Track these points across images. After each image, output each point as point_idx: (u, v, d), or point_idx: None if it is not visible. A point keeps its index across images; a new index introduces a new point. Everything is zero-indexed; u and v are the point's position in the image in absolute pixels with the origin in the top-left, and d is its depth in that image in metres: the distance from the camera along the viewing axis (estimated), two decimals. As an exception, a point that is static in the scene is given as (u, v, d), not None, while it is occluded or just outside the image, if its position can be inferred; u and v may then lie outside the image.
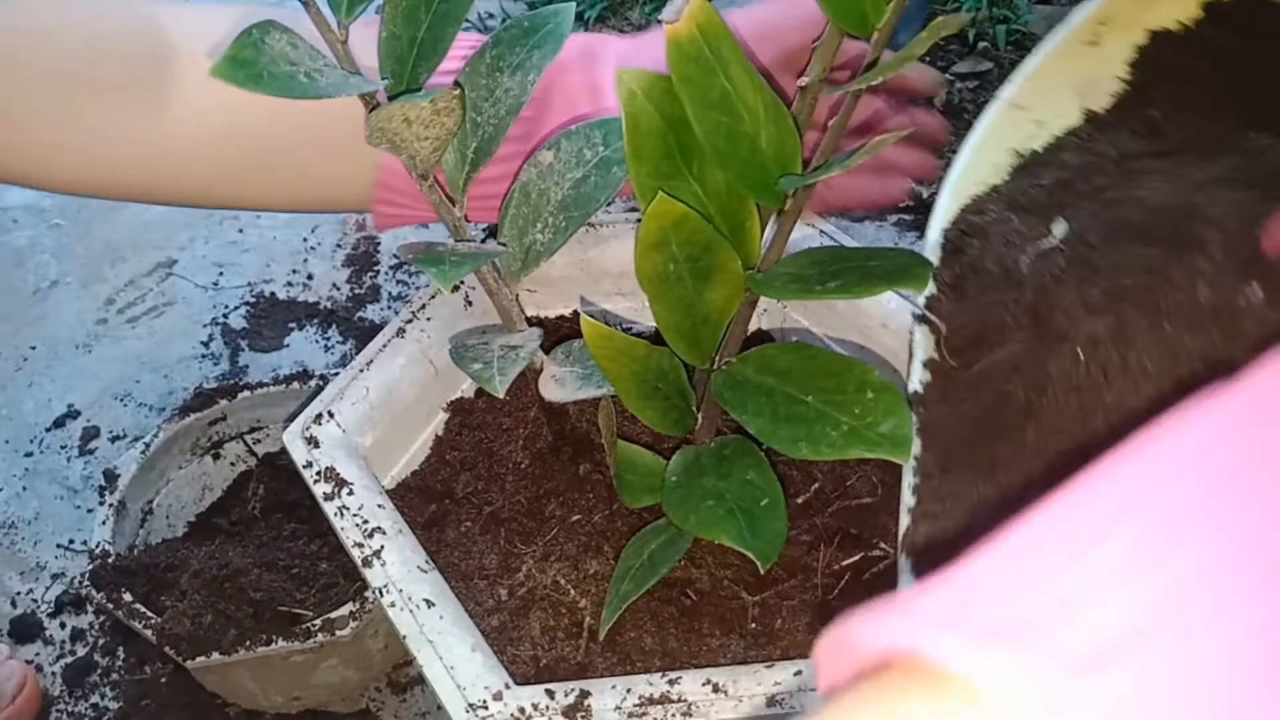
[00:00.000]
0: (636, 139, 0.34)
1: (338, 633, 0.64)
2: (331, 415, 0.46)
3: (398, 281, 1.07)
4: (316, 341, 1.03)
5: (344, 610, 0.65)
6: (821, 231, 0.53)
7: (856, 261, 0.33)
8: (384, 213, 0.47)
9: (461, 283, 0.49)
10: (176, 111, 0.43)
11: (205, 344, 1.03)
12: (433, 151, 0.37)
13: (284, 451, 0.82)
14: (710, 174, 0.35)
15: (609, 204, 0.41)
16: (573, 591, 0.42)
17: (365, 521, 0.41)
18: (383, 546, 0.40)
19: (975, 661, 0.16)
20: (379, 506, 0.42)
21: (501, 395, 0.37)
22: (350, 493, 0.42)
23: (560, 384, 0.41)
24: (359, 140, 0.41)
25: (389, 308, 1.05)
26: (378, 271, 1.08)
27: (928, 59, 1.55)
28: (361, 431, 0.46)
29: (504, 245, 0.41)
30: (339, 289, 1.07)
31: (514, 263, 0.42)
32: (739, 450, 0.39)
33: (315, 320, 1.05)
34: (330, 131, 0.44)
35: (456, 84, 0.39)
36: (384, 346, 0.48)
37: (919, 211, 1.27)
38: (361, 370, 0.47)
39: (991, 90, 1.49)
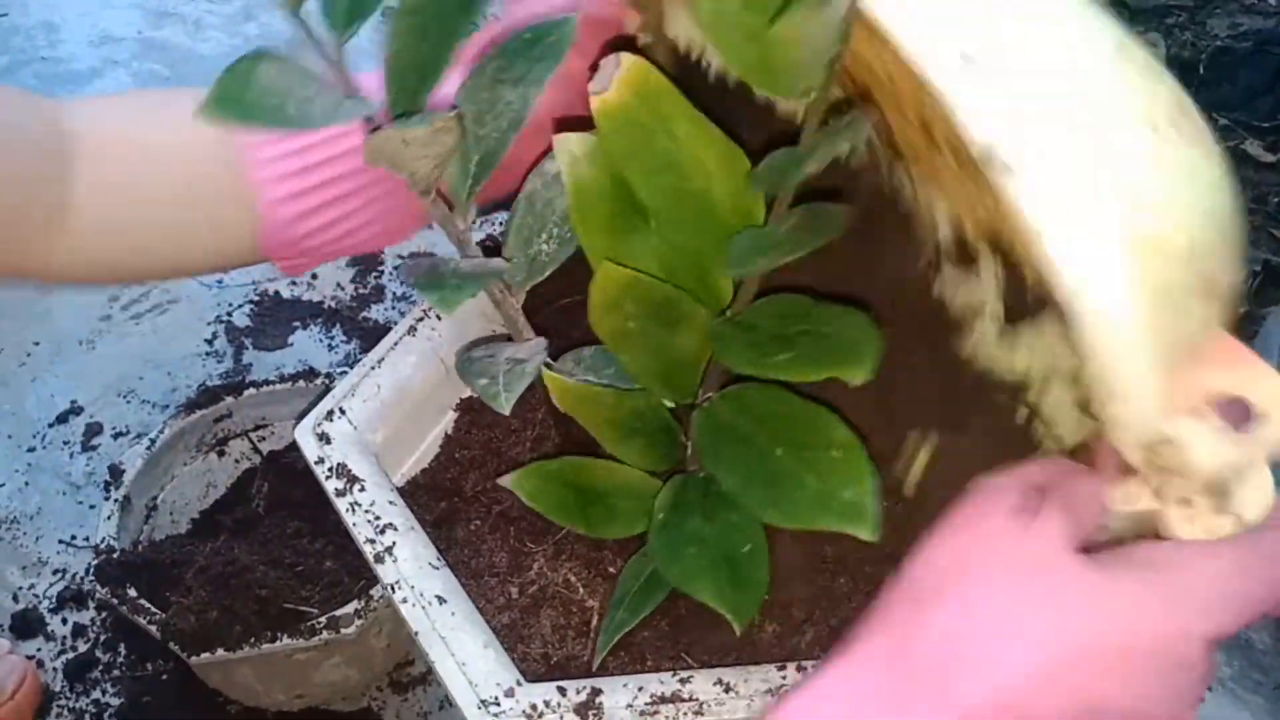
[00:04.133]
0: (581, 203, 0.33)
1: (342, 630, 0.64)
2: (343, 412, 0.46)
3: (402, 282, 1.07)
4: (320, 341, 1.03)
5: (349, 608, 0.65)
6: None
7: (813, 325, 0.32)
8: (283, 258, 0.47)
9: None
10: (67, 224, 0.42)
11: (209, 342, 1.04)
12: (432, 169, 0.36)
13: (289, 449, 0.83)
14: (666, 227, 0.34)
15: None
16: (582, 590, 0.42)
17: (377, 518, 0.41)
18: (395, 543, 0.40)
19: None
20: (390, 503, 0.42)
21: (507, 413, 0.36)
22: (362, 489, 0.42)
23: None
24: (236, 191, 0.43)
25: (393, 308, 1.05)
26: (382, 272, 1.08)
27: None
28: (373, 429, 0.46)
29: (508, 259, 0.41)
30: (343, 288, 1.07)
31: (519, 273, 0.42)
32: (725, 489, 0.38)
33: (319, 319, 1.05)
34: (207, 193, 0.44)
35: (453, 107, 0.38)
36: (395, 344, 0.48)
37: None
38: (373, 368, 0.47)
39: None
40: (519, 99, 0.38)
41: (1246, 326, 1.12)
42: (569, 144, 0.33)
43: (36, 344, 1.03)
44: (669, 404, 0.39)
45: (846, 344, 0.31)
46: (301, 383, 0.81)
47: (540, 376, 0.42)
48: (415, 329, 0.49)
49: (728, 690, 0.36)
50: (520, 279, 0.41)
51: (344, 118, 0.33)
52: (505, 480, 0.39)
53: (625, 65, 0.30)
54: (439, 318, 0.50)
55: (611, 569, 0.42)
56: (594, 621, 0.41)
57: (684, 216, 0.32)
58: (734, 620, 0.34)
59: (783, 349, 0.32)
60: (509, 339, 0.42)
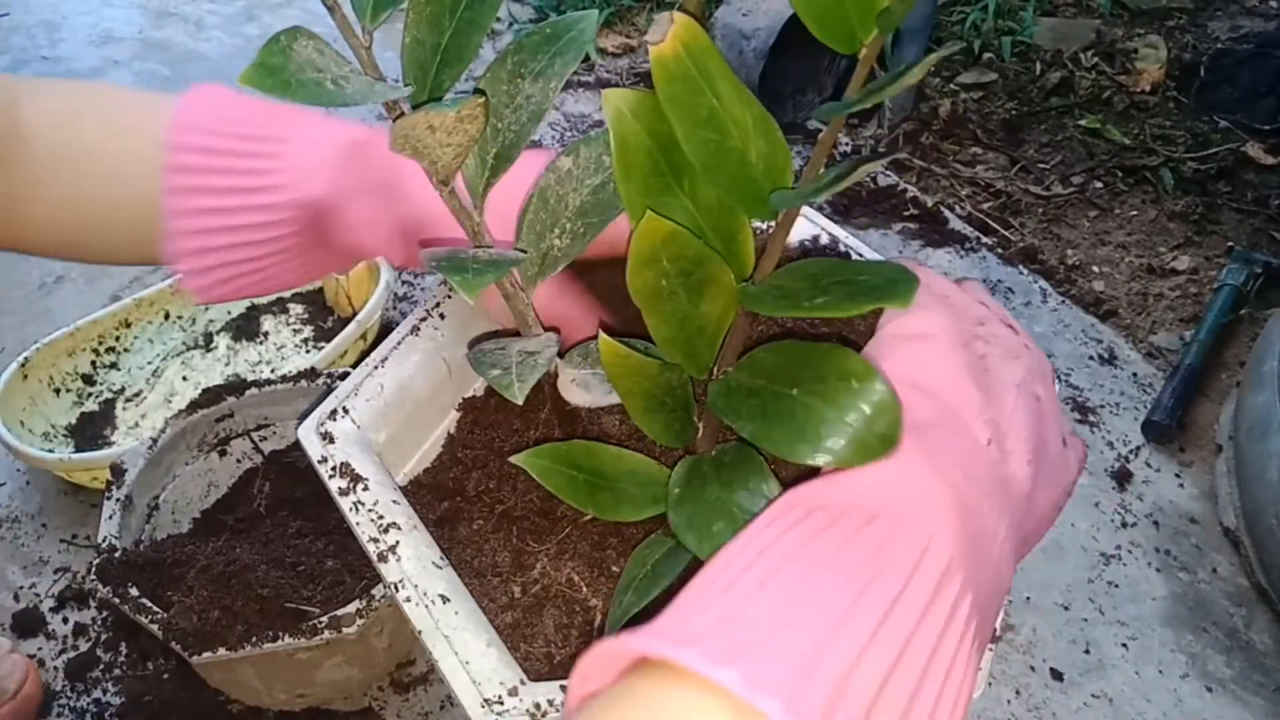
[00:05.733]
0: (625, 157, 0.34)
1: (344, 630, 0.64)
2: (346, 411, 0.46)
3: (403, 282, 1.07)
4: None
5: (350, 608, 0.65)
6: (831, 236, 0.53)
7: (847, 275, 0.33)
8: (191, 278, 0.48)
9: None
10: (22, 193, 0.46)
11: (210, 341, 1.04)
12: (454, 158, 0.37)
13: (290, 449, 0.83)
14: (701, 188, 0.35)
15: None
16: (585, 589, 0.42)
17: (380, 517, 0.41)
18: (398, 542, 0.40)
19: (717, 672, 0.24)
20: (394, 502, 0.42)
21: (520, 402, 0.37)
22: (365, 488, 0.42)
23: (584, 388, 0.41)
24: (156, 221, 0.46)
25: (394, 308, 1.05)
26: (383, 272, 1.09)
27: (934, 70, 1.55)
28: (376, 428, 0.46)
29: (522, 251, 0.41)
30: (345, 288, 1.07)
31: (531, 268, 0.42)
32: (738, 457, 0.38)
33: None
34: (132, 204, 0.47)
35: (480, 91, 0.39)
36: (399, 344, 0.48)
37: (923, 220, 1.27)
38: (376, 367, 0.47)
39: (996, 101, 1.50)
40: (539, 93, 0.39)
41: (1248, 328, 1.12)
42: (615, 99, 0.34)
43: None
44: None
45: (883, 282, 0.31)
46: (303, 382, 0.81)
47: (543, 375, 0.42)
48: (418, 329, 0.49)
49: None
50: (532, 273, 0.41)
51: (378, 99, 0.34)
52: (517, 458, 0.40)
53: (678, 21, 0.31)
54: (442, 317, 0.50)
55: (615, 568, 0.42)
56: (597, 620, 0.41)
57: (722, 174, 0.33)
58: None
59: (818, 295, 0.32)
60: (517, 336, 0.43)
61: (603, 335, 0.36)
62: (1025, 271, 1.21)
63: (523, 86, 0.39)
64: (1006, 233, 1.28)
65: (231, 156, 0.45)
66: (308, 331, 1.03)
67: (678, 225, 0.33)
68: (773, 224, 0.35)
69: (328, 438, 0.45)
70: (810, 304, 0.32)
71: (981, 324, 0.38)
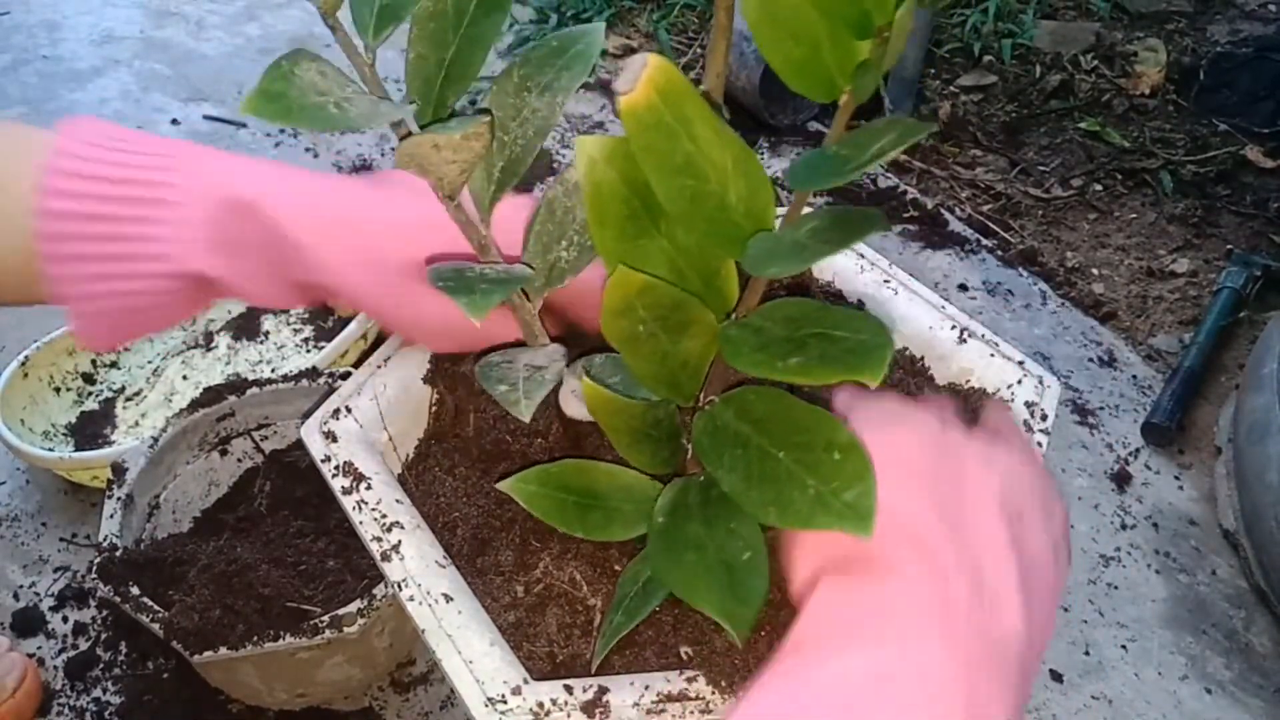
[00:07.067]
0: (599, 204, 0.34)
1: (345, 630, 0.64)
2: (349, 410, 0.46)
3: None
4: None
5: (352, 607, 0.65)
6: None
7: (824, 328, 0.32)
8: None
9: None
10: None
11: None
12: (460, 174, 0.36)
13: (291, 448, 0.83)
14: (679, 229, 0.34)
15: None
16: (587, 589, 0.42)
17: (384, 516, 0.41)
18: (401, 541, 0.41)
19: None
20: (397, 501, 0.42)
21: (528, 419, 0.36)
22: (369, 487, 0.42)
23: (582, 401, 0.41)
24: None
25: (395, 308, 1.05)
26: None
27: (933, 71, 1.55)
28: (379, 428, 0.47)
29: (529, 265, 0.41)
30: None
31: (537, 280, 0.42)
32: (724, 494, 0.37)
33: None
34: None
35: (485, 110, 0.38)
36: (402, 344, 0.48)
37: (923, 222, 1.28)
38: (379, 366, 0.48)
39: (996, 104, 1.50)
40: (546, 107, 0.38)
41: (1247, 331, 1.12)
42: (587, 147, 0.33)
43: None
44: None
45: (858, 346, 0.30)
46: (304, 382, 0.81)
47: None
48: (421, 328, 0.49)
49: (733, 689, 0.36)
50: (539, 285, 0.41)
51: (381, 120, 0.33)
52: (503, 485, 0.39)
53: (651, 64, 0.30)
54: (445, 317, 0.50)
55: (617, 567, 0.42)
56: (598, 620, 0.41)
57: (699, 218, 0.32)
58: (732, 630, 0.34)
59: (793, 352, 0.31)
60: (522, 344, 0.42)
61: (585, 379, 0.36)
62: (1025, 274, 1.21)
63: (529, 100, 0.39)
64: (1006, 235, 1.28)
65: (113, 203, 0.41)
66: (308, 331, 1.03)
67: (651, 276, 0.33)
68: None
69: (331, 437, 0.45)
70: (784, 365, 0.31)
71: (944, 430, 0.36)
